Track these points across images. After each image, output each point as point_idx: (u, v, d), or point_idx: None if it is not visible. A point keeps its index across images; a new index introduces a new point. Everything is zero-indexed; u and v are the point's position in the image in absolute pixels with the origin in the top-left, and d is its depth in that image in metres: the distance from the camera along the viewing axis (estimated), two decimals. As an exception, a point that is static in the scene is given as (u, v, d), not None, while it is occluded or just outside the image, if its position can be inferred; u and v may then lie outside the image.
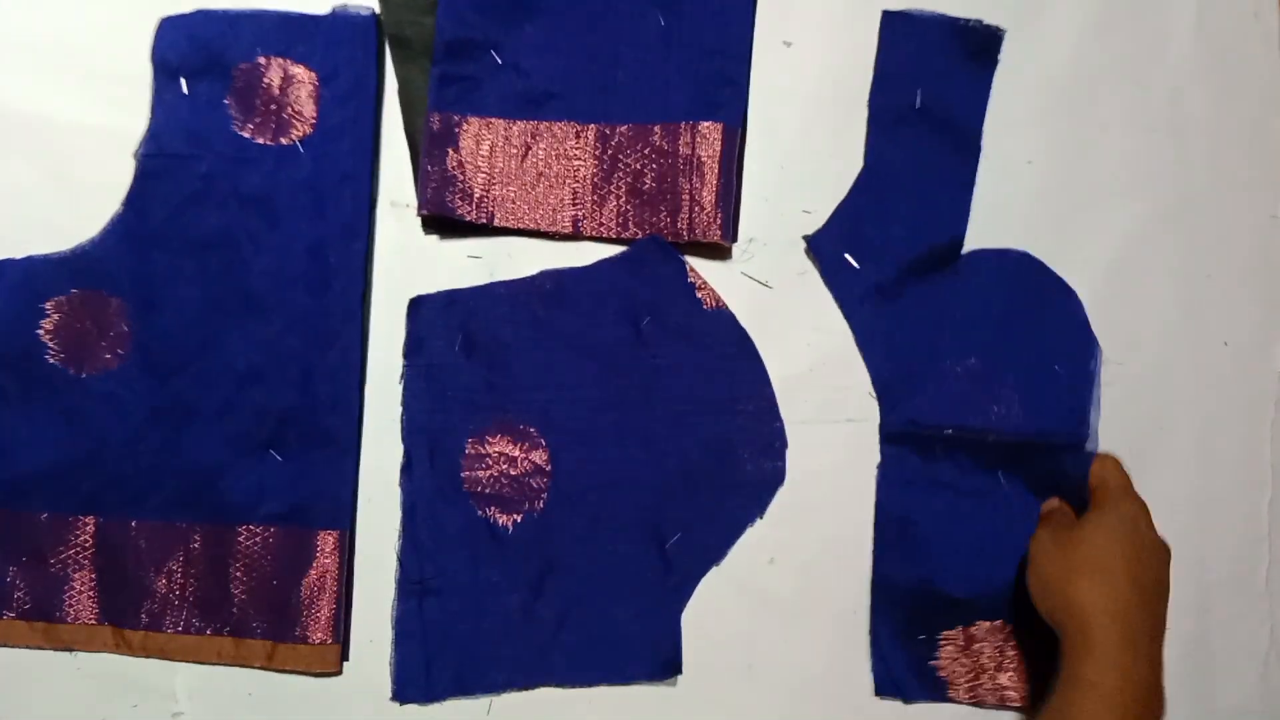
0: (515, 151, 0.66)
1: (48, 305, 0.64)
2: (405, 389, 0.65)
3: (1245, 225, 0.67)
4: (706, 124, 0.65)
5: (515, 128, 0.66)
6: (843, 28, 0.68)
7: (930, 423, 0.65)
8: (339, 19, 0.66)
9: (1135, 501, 0.61)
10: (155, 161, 0.65)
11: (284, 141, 0.65)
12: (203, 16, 0.66)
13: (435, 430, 0.65)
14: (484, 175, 0.65)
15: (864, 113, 0.67)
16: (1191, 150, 0.68)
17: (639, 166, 0.66)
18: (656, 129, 0.66)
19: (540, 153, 0.66)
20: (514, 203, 0.66)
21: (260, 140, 0.65)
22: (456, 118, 0.66)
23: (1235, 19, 0.68)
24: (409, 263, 0.66)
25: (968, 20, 0.67)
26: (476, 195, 0.65)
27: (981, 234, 0.67)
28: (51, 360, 0.64)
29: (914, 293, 0.66)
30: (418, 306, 0.65)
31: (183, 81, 0.66)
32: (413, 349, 0.65)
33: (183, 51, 0.66)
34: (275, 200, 0.65)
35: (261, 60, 0.66)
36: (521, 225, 0.66)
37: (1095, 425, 0.65)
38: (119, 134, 0.65)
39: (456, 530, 0.64)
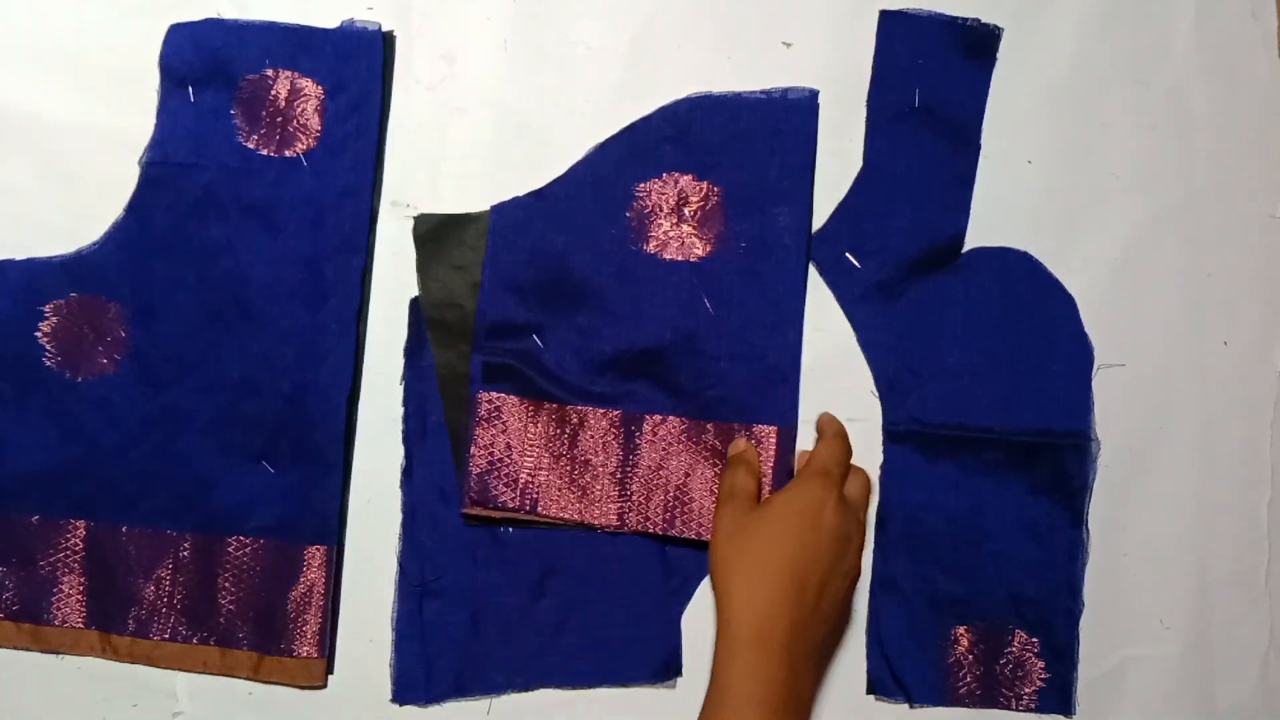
0: (563, 436, 0.64)
1: (46, 308, 0.64)
2: (406, 389, 0.65)
3: (1245, 225, 0.67)
4: (763, 427, 0.64)
5: (563, 412, 0.64)
6: (842, 28, 0.68)
7: (933, 421, 0.65)
8: (347, 33, 0.66)
9: (824, 482, 0.58)
10: (159, 170, 0.65)
11: (288, 154, 0.65)
12: (211, 25, 0.66)
13: (437, 430, 0.65)
14: (530, 459, 0.63)
15: (863, 112, 0.67)
16: (1192, 149, 0.67)
17: (690, 462, 0.64)
18: (710, 427, 0.64)
19: (587, 441, 0.64)
20: (558, 491, 0.64)
21: (264, 152, 0.65)
22: (500, 398, 0.64)
23: (1233, 19, 0.68)
24: (409, 263, 0.66)
25: (966, 19, 0.67)
26: (521, 481, 0.63)
27: (982, 233, 0.67)
28: (48, 363, 0.64)
29: (915, 291, 0.66)
30: (418, 306, 0.65)
31: (189, 90, 0.65)
32: (414, 349, 0.65)
33: (190, 60, 0.66)
34: (276, 212, 0.65)
35: (269, 72, 0.66)
36: (564, 516, 0.64)
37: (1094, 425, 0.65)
38: (119, 135, 0.66)
39: (457, 532, 0.64)
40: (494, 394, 0.64)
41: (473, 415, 0.64)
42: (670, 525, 0.64)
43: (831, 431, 0.62)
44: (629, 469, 0.64)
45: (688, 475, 0.64)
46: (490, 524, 0.64)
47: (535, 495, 0.63)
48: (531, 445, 0.64)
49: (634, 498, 0.64)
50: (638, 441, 0.64)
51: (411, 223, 0.66)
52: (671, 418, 0.64)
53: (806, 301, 0.66)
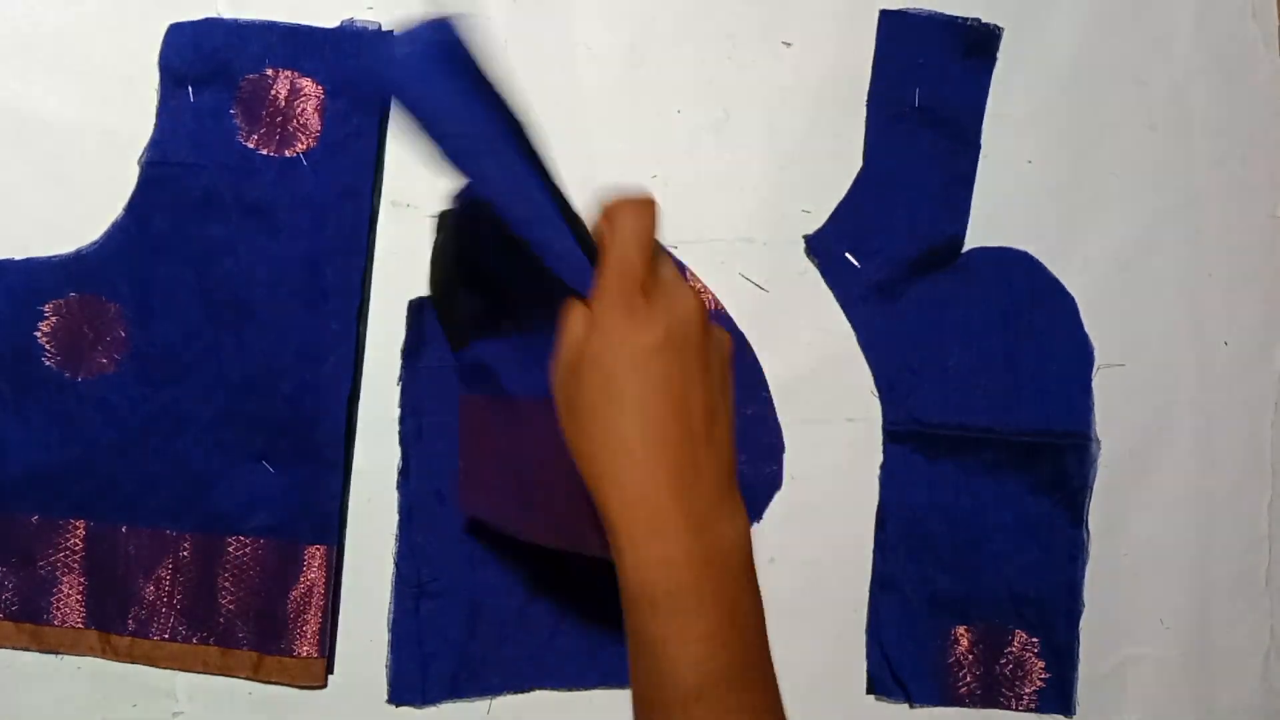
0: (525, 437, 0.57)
1: (46, 308, 0.64)
2: (403, 391, 0.65)
3: (1246, 225, 0.67)
4: None
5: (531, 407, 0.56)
6: (843, 28, 0.68)
7: (933, 421, 0.65)
8: (347, 32, 0.66)
9: (622, 295, 0.42)
10: (159, 169, 0.65)
11: (288, 154, 0.65)
12: (210, 25, 0.66)
13: (433, 432, 0.65)
14: (503, 470, 0.58)
15: (864, 112, 0.67)
16: (1192, 150, 0.68)
17: None
18: None
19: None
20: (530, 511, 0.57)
21: (264, 151, 0.65)
22: (479, 400, 0.60)
23: (1233, 19, 0.68)
24: (409, 263, 0.66)
25: (966, 19, 0.67)
26: (497, 497, 0.59)
27: (982, 233, 0.67)
28: (48, 363, 0.64)
29: (915, 291, 0.66)
30: (417, 308, 0.65)
31: (189, 89, 0.66)
32: (411, 350, 0.65)
33: (189, 59, 0.66)
34: (276, 212, 0.65)
35: (269, 71, 0.66)
36: (544, 542, 0.57)
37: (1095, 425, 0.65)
38: (119, 135, 0.65)
39: (454, 533, 0.64)
40: (475, 397, 0.61)
41: (460, 420, 0.62)
42: None
43: (616, 221, 0.44)
44: None
45: None
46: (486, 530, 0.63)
47: (515, 521, 0.58)
48: (506, 453, 0.58)
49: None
50: None
51: (414, 221, 0.66)
52: None
53: (806, 302, 0.66)
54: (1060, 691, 0.64)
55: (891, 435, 0.65)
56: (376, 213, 0.66)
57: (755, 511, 0.65)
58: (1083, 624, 0.64)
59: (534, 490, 0.54)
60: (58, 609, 0.63)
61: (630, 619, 0.42)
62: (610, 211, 0.45)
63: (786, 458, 0.65)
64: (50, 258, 0.65)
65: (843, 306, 0.66)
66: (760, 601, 0.44)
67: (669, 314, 0.43)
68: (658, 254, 0.44)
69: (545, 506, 0.54)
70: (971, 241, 0.67)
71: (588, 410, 0.43)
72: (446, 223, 0.63)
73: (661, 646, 0.40)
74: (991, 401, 0.65)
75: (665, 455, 0.41)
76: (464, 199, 0.57)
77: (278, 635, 0.63)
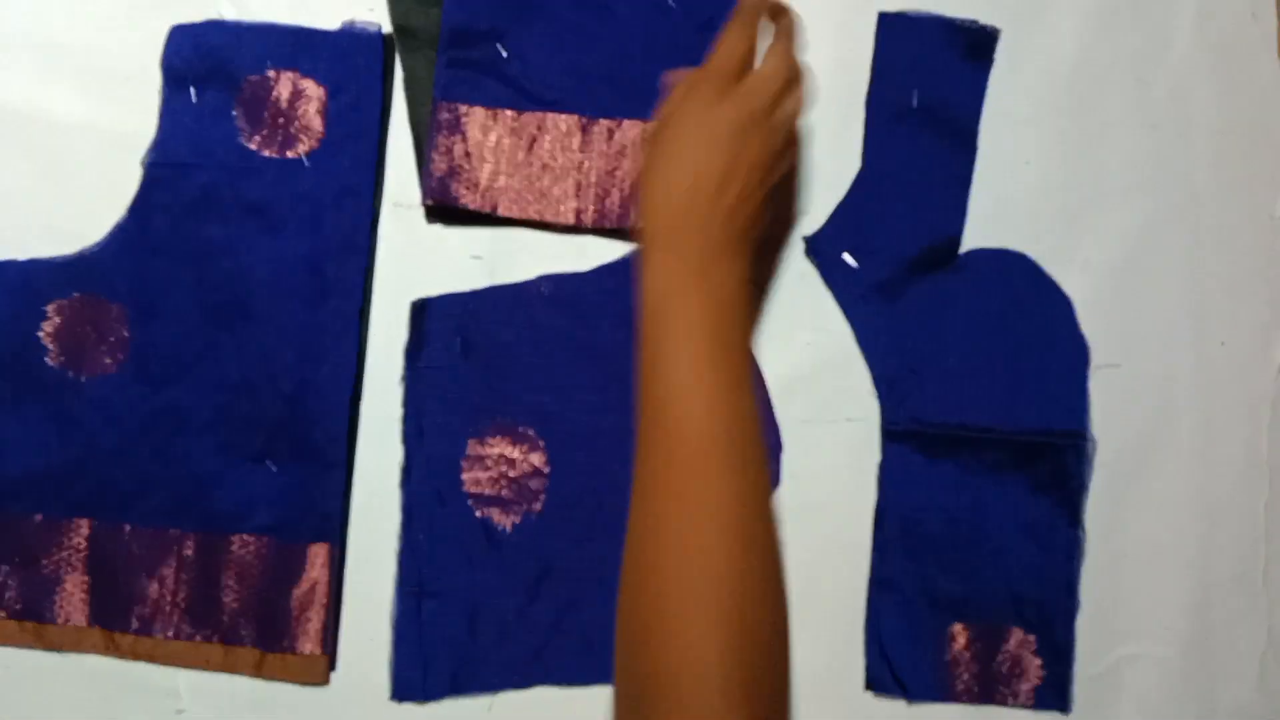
0: (522, 143, 0.66)
1: (49, 308, 0.65)
2: (405, 391, 0.65)
3: (1245, 225, 0.67)
4: None
5: (522, 119, 0.66)
6: (841, 28, 0.68)
7: (932, 421, 0.65)
8: (348, 34, 0.66)
9: (693, 87, 0.56)
10: (161, 170, 0.65)
11: (289, 154, 0.66)
12: (212, 26, 0.66)
13: (435, 432, 0.65)
14: (490, 165, 0.66)
15: (862, 113, 0.67)
16: (1191, 150, 0.67)
17: None
18: None
19: (546, 144, 0.66)
20: (518, 193, 0.66)
21: (265, 153, 0.66)
22: (464, 107, 0.66)
23: (1233, 19, 0.68)
24: (410, 264, 0.66)
25: (964, 20, 0.67)
26: (482, 185, 0.66)
27: (981, 234, 0.67)
28: (51, 363, 0.65)
29: (914, 291, 0.66)
30: (419, 309, 0.66)
31: (191, 91, 0.66)
32: (413, 351, 0.66)
33: (191, 61, 0.66)
34: (278, 212, 0.65)
35: (271, 73, 0.66)
36: (525, 215, 0.66)
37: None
38: (120, 135, 0.66)
39: (455, 532, 0.64)
40: (455, 104, 0.66)
41: (434, 123, 0.66)
42: (625, 219, 0.66)
43: (741, 15, 0.58)
44: (586, 171, 0.66)
45: None
46: (450, 219, 0.67)
47: (495, 198, 0.66)
48: (490, 153, 0.66)
49: (590, 198, 0.66)
50: (595, 145, 0.66)
51: (414, 221, 0.66)
52: (627, 121, 0.66)
53: (806, 302, 0.66)
54: (1057, 689, 0.64)
55: (890, 435, 0.66)
56: (378, 213, 0.66)
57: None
58: (1080, 622, 0.64)
59: (528, 177, 0.66)
60: (61, 607, 0.64)
61: (643, 306, 0.54)
62: (742, 7, 0.58)
63: (785, 458, 0.65)
64: (53, 258, 0.65)
65: (842, 307, 0.66)
66: (746, 329, 0.56)
67: (733, 106, 0.55)
68: (774, 51, 0.58)
69: (539, 189, 0.66)
70: (970, 242, 0.67)
71: (650, 156, 0.56)
72: None
73: (661, 326, 0.52)
74: (990, 401, 0.65)
75: (681, 201, 0.54)
76: None
77: (281, 633, 0.63)
